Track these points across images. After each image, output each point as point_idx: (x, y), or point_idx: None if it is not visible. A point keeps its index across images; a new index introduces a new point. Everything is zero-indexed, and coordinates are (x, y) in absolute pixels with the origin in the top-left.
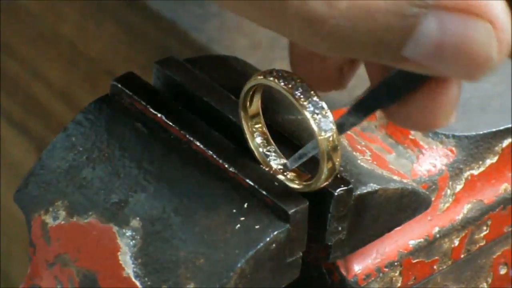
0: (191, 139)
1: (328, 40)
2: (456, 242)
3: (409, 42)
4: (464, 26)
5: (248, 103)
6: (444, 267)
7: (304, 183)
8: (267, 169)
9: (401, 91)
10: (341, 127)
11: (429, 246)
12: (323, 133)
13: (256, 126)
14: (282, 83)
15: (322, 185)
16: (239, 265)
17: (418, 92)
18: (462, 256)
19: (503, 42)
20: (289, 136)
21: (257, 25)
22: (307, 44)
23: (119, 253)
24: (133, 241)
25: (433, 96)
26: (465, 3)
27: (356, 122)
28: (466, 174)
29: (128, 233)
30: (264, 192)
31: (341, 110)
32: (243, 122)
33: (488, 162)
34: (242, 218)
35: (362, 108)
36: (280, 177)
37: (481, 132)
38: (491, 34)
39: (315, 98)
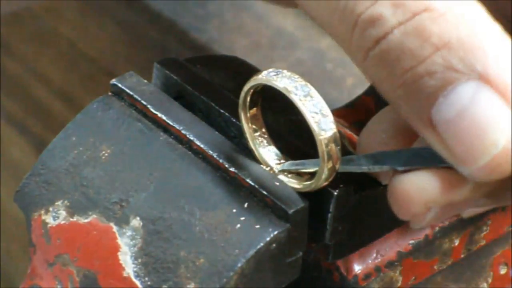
0: (192, 138)
1: (377, 49)
2: (456, 242)
3: (441, 97)
4: (493, 104)
5: (248, 103)
6: (444, 267)
7: (304, 183)
8: (267, 169)
9: (413, 163)
10: (348, 162)
11: (429, 246)
12: (323, 133)
13: (256, 126)
14: (282, 83)
15: (322, 185)
16: (239, 265)
17: (421, 170)
18: (462, 256)
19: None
20: (289, 136)
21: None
22: (356, 52)
23: (119, 253)
24: (133, 241)
25: (430, 181)
26: (505, 86)
27: (362, 167)
28: None
29: (129, 233)
30: (264, 192)
31: (341, 110)
32: (243, 122)
33: None
34: (242, 218)
35: (377, 158)
36: (280, 177)
37: None
38: (508, 123)
39: (315, 98)
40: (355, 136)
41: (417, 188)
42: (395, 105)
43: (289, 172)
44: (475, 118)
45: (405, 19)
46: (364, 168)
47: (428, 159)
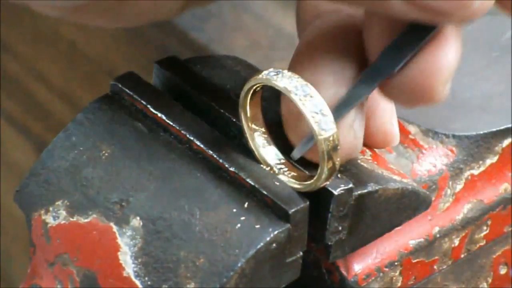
0: (191, 139)
1: None
2: (456, 242)
3: None
4: None
5: (248, 103)
6: (444, 267)
7: (304, 183)
8: (267, 169)
9: (402, 54)
10: (348, 102)
11: (429, 246)
12: (323, 133)
13: (256, 126)
14: (282, 83)
15: (322, 185)
16: (239, 264)
17: (416, 56)
18: (462, 256)
19: None
20: None
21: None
22: None
23: (119, 252)
24: (134, 241)
25: (430, 59)
26: None
27: (363, 94)
28: (466, 174)
29: (129, 232)
30: (264, 192)
31: None
32: (243, 122)
33: (488, 162)
34: (243, 218)
35: (367, 79)
36: (281, 177)
37: (481, 132)
38: None
39: (315, 98)
40: None
41: (433, 76)
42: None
43: (297, 172)
44: None
45: None
46: (365, 95)
47: (409, 41)
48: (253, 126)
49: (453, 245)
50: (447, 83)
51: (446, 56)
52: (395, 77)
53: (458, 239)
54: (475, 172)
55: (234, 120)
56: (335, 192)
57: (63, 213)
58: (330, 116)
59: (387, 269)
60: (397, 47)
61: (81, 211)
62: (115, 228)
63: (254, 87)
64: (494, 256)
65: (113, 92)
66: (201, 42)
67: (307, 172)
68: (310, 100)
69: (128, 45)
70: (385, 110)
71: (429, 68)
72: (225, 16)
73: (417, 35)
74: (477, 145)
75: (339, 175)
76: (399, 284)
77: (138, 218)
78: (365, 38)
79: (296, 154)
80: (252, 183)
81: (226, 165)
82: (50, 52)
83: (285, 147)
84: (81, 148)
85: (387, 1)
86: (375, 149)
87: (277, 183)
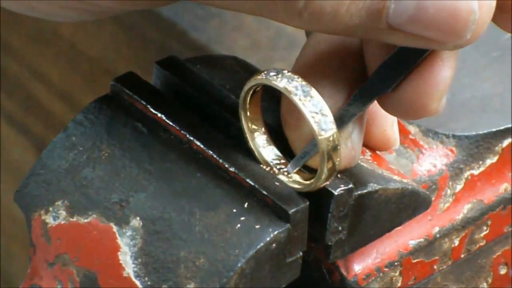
0: (191, 139)
1: (303, 15)
2: (456, 242)
3: (392, 4)
4: None
5: (248, 103)
6: (444, 267)
7: (304, 183)
8: (267, 169)
9: (397, 73)
10: (341, 120)
11: (429, 246)
12: (323, 133)
13: (256, 126)
14: (282, 83)
15: (322, 185)
16: (239, 264)
17: (411, 74)
18: (462, 256)
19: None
20: None
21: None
22: (287, 20)
23: (119, 252)
24: (133, 241)
25: (425, 77)
26: None
27: (356, 112)
28: (466, 174)
29: (128, 232)
30: (264, 192)
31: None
32: (243, 122)
33: (488, 162)
34: (242, 218)
35: (361, 97)
36: (280, 177)
37: (481, 132)
38: None
39: (315, 98)
40: None
41: (426, 94)
42: (350, 36)
43: (297, 174)
44: (437, 7)
45: None
46: (358, 114)
47: (402, 60)
48: (253, 126)
49: (453, 245)
50: (442, 99)
51: (439, 74)
52: (391, 95)
53: (458, 239)
54: (475, 172)
55: (234, 120)
56: (335, 192)
57: (63, 213)
58: (330, 116)
59: (387, 269)
60: (391, 66)
61: (81, 211)
62: (115, 228)
63: (254, 87)
64: (494, 256)
65: (113, 92)
66: (201, 42)
67: (307, 172)
68: (310, 100)
69: (128, 45)
70: (386, 117)
71: (423, 87)
72: (225, 16)
73: (411, 54)
74: (477, 145)
75: (339, 175)
76: (399, 284)
77: (138, 218)
78: (364, 53)
79: (291, 168)
80: (252, 183)
81: (226, 165)
82: (50, 52)
83: (285, 147)
84: (81, 148)
85: (381, 31)
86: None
87: (277, 183)
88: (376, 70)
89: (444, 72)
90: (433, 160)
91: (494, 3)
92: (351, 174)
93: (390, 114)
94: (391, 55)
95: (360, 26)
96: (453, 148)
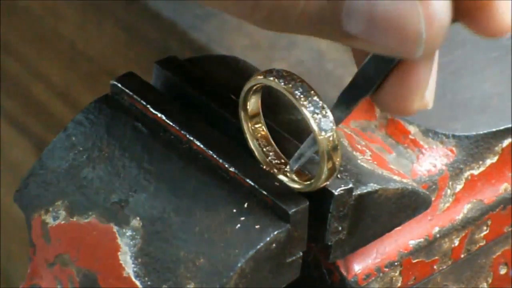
0: (191, 139)
1: (258, 14)
2: (456, 242)
3: (345, 17)
4: (390, 2)
5: (248, 103)
6: (444, 267)
7: (304, 183)
8: (267, 169)
9: (374, 77)
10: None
11: (429, 246)
12: (323, 133)
13: (256, 126)
14: (282, 83)
15: (322, 185)
16: (239, 265)
17: (390, 76)
18: (462, 256)
19: (432, 18)
20: (289, 136)
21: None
22: (245, 19)
23: (119, 253)
24: (133, 241)
25: (402, 80)
26: None
27: (342, 116)
28: (466, 174)
29: (128, 233)
30: (264, 192)
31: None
32: (243, 122)
33: (488, 162)
34: (242, 218)
35: (346, 101)
36: (280, 177)
37: (481, 132)
38: (417, 9)
39: (315, 98)
40: (354, 136)
41: (406, 97)
42: (314, 36)
43: (297, 174)
44: (384, 21)
45: None
46: (343, 118)
47: (379, 63)
48: (253, 126)
49: (453, 245)
50: (424, 97)
51: (415, 75)
52: (375, 95)
53: (458, 239)
54: (475, 172)
55: (234, 120)
56: (335, 192)
57: (63, 213)
58: (330, 117)
59: (387, 269)
60: (369, 69)
61: (81, 211)
62: (115, 228)
63: (254, 87)
64: (494, 256)
65: (113, 92)
66: (201, 42)
67: (307, 172)
68: (310, 100)
69: (128, 45)
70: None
71: (400, 88)
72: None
73: (385, 57)
74: (477, 145)
75: (339, 175)
76: (399, 284)
77: (138, 218)
78: (353, 55)
79: (290, 168)
80: (252, 183)
81: (226, 165)
82: (50, 52)
83: (285, 147)
84: (80, 148)
85: (348, 40)
86: (375, 149)
87: (277, 183)
88: (357, 73)
89: (419, 72)
90: (433, 160)
91: (445, 23)
92: (351, 174)
93: (381, 111)
94: (368, 58)
95: (317, 29)
96: (453, 148)
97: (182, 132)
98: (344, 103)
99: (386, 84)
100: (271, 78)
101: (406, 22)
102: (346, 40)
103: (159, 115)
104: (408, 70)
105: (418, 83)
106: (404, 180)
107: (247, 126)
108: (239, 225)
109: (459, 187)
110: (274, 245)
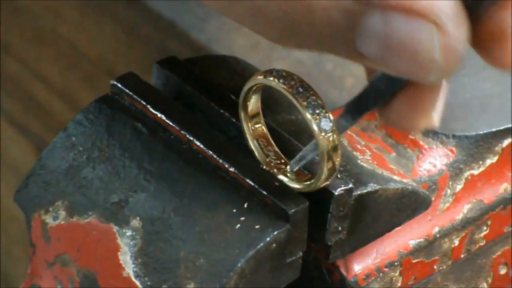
0: (191, 139)
1: (273, 30)
2: (456, 242)
3: (359, 37)
4: (407, 25)
5: (248, 103)
6: (444, 267)
7: (304, 183)
8: (267, 169)
9: (384, 93)
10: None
11: (429, 246)
12: (323, 133)
13: (256, 126)
14: (282, 83)
15: (322, 185)
16: (239, 265)
17: (400, 94)
18: (462, 256)
19: (448, 46)
20: (289, 136)
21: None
22: (259, 33)
23: (119, 253)
24: (133, 241)
25: (411, 99)
26: (408, 3)
27: (347, 126)
28: (466, 174)
29: (128, 233)
30: (264, 192)
31: (341, 110)
32: (243, 122)
33: (488, 162)
34: (242, 218)
35: (352, 111)
36: (280, 177)
37: (481, 132)
38: (434, 36)
39: (315, 98)
40: (355, 136)
41: (412, 116)
42: (325, 53)
43: (297, 174)
44: (399, 45)
45: None
46: (348, 127)
47: (390, 80)
48: (253, 126)
49: (453, 245)
50: (431, 116)
51: (424, 96)
52: (381, 111)
53: (458, 239)
54: (475, 172)
55: (234, 120)
56: (335, 192)
57: (62, 213)
58: (330, 117)
59: (387, 269)
60: (380, 83)
61: (81, 212)
62: (115, 229)
63: (254, 87)
64: (494, 256)
65: (113, 92)
66: (201, 42)
67: (307, 172)
68: (310, 100)
69: (128, 45)
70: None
71: (410, 107)
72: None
73: (394, 78)
74: (477, 145)
75: (339, 175)
76: (399, 284)
77: (138, 218)
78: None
79: (290, 169)
80: (252, 183)
81: (226, 165)
82: (50, 52)
83: (285, 147)
84: (80, 148)
85: (360, 59)
86: (375, 149)
87: (277, 183)
88: (367, 86)
89: (429, 93)
90: (433, 160)
91: (461, 52)
92: (351, 174)
93: (387, 124)
94: (381, 73)
95: (331, 46)
96: (453, 148)
97: (182, 132)
98: (350, 113)
99: (395, 100)
100: (271, 78)
101: (422, 49)
102: (359, 60)
103: (159, 115)
104: (418, 89)
105: (426, 103)
106: (404, 180)
107: (247, 126)
108: (239, 225)
109: (459, 187)
110: (274, 245)
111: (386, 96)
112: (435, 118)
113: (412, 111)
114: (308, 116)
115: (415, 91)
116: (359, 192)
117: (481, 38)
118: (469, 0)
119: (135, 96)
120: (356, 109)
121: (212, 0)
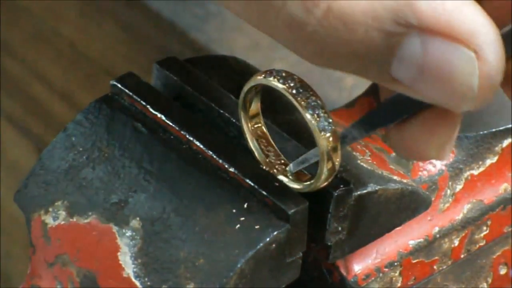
0: (191, 139)
1: (309, 47)
2: (456, 242)
3: (394, 61)
4: (446, 50)
5: (248, 103)
6: (444, 267)
7: (304, 183)
8: (267, 169)
9: (403, 112)
10: (343, 139)
11: (429, 246)
12: (322, 133)
13: (256, 126)
14: (282, 83)
15: (322, 185)
16: (239, 265)
17: (415, 117)
18: (462, 256)
19: (487, 75)
20: (289, 136)
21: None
22: (292, 49)
23: (119, 253)
24: (133, 241)
25: (429, 124)
26: (449, 28)
27: (358, 137)
28: (466, 174)
29: (128, 233)
30: (264, 192)
31: (341, 110)
32: (243, 122)
33: (488, 162)
34: (242, 218)
35: (366, 124)
36: (280, 177)
37: (481, 132)
38: (473, 64)
39: (314, 98)
40: None
41: (424, 140)
42: (357, 76)
43: (296, 174)
44: (436, 70)
45: (321, 13)
46: (359, 138)
47: (411, 100)
48: (253, 126)
49: (453, 245)
50: (442, 149)
51: (443, 125)
52: (393, 130)
53: (458, 239)
54: (475, 172)
55: (233, 120)
56: (335, 192)
57: (62, 213)
58: (329, 117)
59: (387, 269)
60: (398, 102)
61: (80, 212)
62: (114, 229)
63: (254, 88)
64: (494, 256)
65: (113, 92)
66: (201, 42)
67: (306, 173)
68: (310, 100)
69: (128, 45)
70: (450, 127)
71: (424, 133)
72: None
73: (414, 100)
74: (477, 145)
75: (338, 175)
76: (399, 284)
77: (137, 218)
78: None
79: (290, 170)
80: (252, 184)
81: (226, 166)
82: (50, 52)
83: (284, 147)
84: (80, 149)
85: (391, 83)
86: (374, 149)
87: (277, 184)
88: (385, 102)
89: (449, 122)
90: (433, 160)
91: (498, 83)
92: (351, 174)
93: (392, 149)
94: (398, 94)
95: (364, 68)
96: (453, 148)
97: (182, 132)
98: (364, 126)
99: (411, 122)
100: (271, 78)
101: (459, 76)
102: (391, 84)
103: (159, 115)
104: (439, 116)
105: (443, 133)
106: (404, 180)
107: (247, 126)
108: (238, 225)
109: (459, 187)
110: (273, 245)
111: (404, 115)
112: (447, 151)
113: (426, 138)
114: (308, 116)
115: (435, 117)
116: (359, 192)
117: (508, 74)
118: (504, 32)
119: (135, 96)
120: (370, 122)
121: (244, 12)
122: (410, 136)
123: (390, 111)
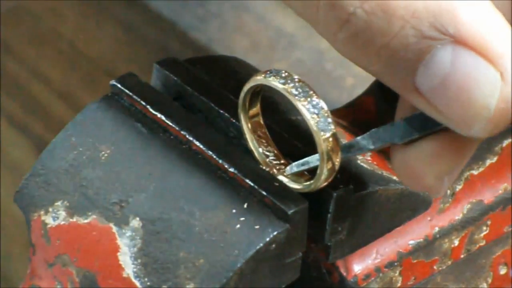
0: (191, 139)
1: (345, 29)
2: (456, 242)
3: (421, 66)
4: (475, 65)
5: (248, 103)
6: (444, 267)
7: (304, 183)
8: (267, 169)
9: (411, 133)
10: (349, 149)
11: (429, 246)
12: (322, 133)
13: (256, 126)
14: (282, 84)
15: (322, 186)
16: (238, 265)
17: (422, 139)
18: (462, 256)
19: (506, 99)
20: (289, 136)
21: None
22: (325, 32)
23: (119, 253)
24: (133, 241)
25: (431, 150)
26: (485, 45)
27: (364, 149)
28: (466, 174)
29: (128, 233)
30: (264, 192)
31: (341, 110)
32: (243, 122)
33: (488, 162)
34: (242, 218)
35: (375, 137)
36: (280, 177)
37: None
38: (497, 85)
39: (314, 98)
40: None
41: (425, 164)
42: (378, 78)
43: (296, 174)
44: (460, 83)
45: None
46: (365, 150)
47: (424, 123)
48: (253, 126)
49: (453, 245)
50: (442, 179)
51: (451, 153)
52: (398, 151)
53: (458, 239)
54: (475, 172)
55: (233, 120)
56: (335, 193)
57: (62, 213)
58: (330, 117)
59: (386, 270)
60: (411, 121)
61: (80, 212)
62: (114, 229)
63: (254, 88)
64: (494, 256)
65: (113, 93)
66: (201, 42)
67: (306, 173)
68: (310, 101)
69: (128, 45)
70: (456, 161)
71: (425, 156)
72: (226, 16)
73: (431, 120)
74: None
75: (338, 176)
76: (398, 285)
77: (137, 218)
78: (400, 99)
79: (290, 170)
80: (252, 184)
81: (226, 166)
82: (50, 52)
83: (284, 147)
84: (80, 149)
85: (412, 93)
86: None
87: (277, 184)
88: (399, 120)
89: (456, 154)
90: None
91: (510, 111)
92: (351, 174)
93: (394, 172)
94: (420, 113)
95: (389, 69)
96: None
97: (182, 132)
98: (372, 138)
99: (415, 144)
100: (271, 79)
101: (480, 94)
102: (410, 94)
103: (159, 115)
104: (444, 143)
105: (444, 162)
106: None
107: (247, 126)
108: (238, 225)
109: (458, 187)
110: (273, 245)
111: (414, 136)
112: (444, 184)
113: (426, 163)
114: (308, 116)
115: (441, 144)
116: (359, 193)
117: None
118: None
119: (134, 97)
120: (379, 137)
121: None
122: (411, 158)
123: (400, 130)
